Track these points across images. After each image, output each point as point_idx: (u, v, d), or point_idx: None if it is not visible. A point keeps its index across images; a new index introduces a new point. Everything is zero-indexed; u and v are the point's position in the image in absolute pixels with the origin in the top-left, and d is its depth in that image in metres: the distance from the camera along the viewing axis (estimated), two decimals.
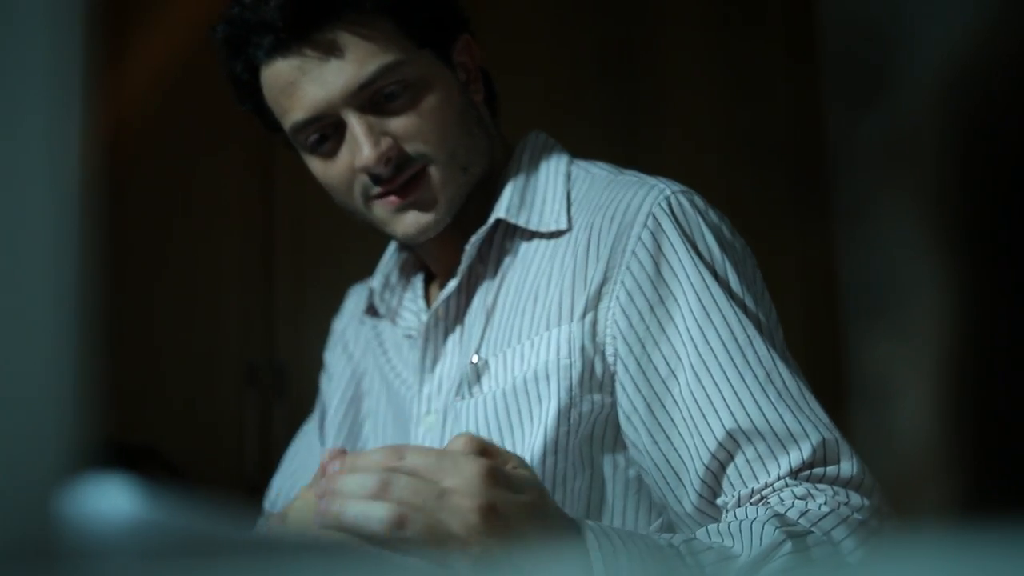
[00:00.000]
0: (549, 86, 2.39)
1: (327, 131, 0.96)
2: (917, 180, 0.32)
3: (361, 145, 0.94)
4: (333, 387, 1.18)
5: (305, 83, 0.94)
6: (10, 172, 0.31)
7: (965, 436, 0.30)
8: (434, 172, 0.96)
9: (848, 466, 0.80)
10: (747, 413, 0.82)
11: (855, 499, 0.79)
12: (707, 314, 0.86)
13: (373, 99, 0.95)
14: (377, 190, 0.96)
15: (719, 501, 0.84)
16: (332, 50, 0.93)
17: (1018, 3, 0.31)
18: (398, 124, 0.95)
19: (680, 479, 0.85)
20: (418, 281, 1.11)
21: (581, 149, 1.07)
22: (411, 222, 0.97)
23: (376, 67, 0.93)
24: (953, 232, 0.31)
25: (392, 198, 0.96)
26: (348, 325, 1.20)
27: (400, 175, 0.95)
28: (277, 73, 0.96)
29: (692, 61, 2.44)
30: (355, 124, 0.94)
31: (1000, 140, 0.30)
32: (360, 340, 1.15)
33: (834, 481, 0.80)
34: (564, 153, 1.04)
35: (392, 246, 1.14)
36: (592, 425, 0.90)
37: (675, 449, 0.85)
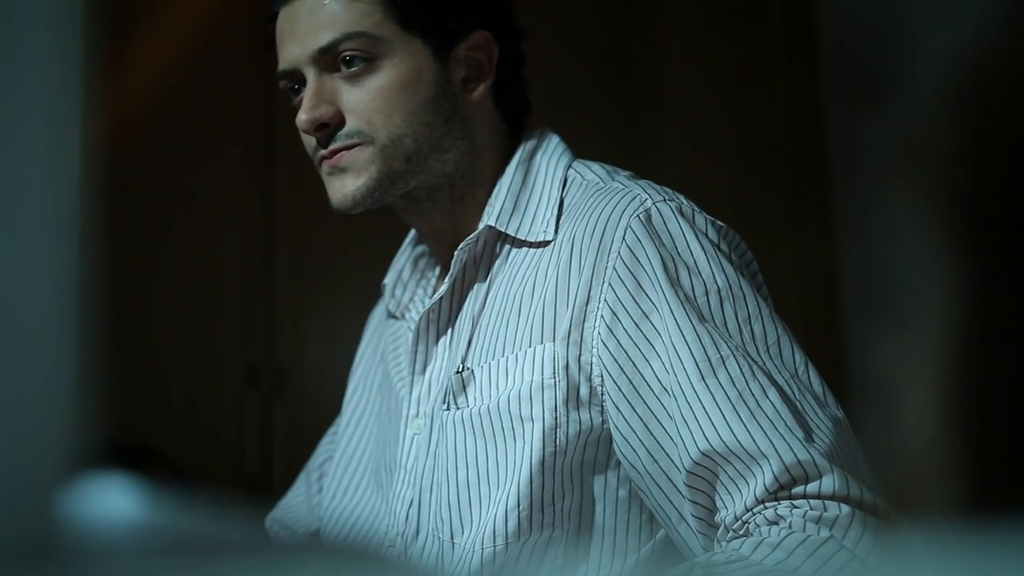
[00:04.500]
0: (549, 86, 2.39)
1: (297, 85, 1.00)
2: (918, 180, 0.32)
3: (302, 106, 0.98)
4: (348, 396, 1.19)
5: (287, 36, 0.99)
6: (10, 172, 0.31)
7: (968, 434, 0.30)
8: (366, 149, 0.97)
9: (830, 481, 0.78)
10: (718, 434, 0.81)
11: (831, 510, 0.77)
12: (681, 333, 0.84)
13: (335, 63, 0.97)
14: (318, 153, 0.99)
15: (716, 519, 0.83)
16: (317, 8, 0.97)
17: (1019, 5, 0.31)
18: (349, 94, 0.97)
19: (675, 499, 0.85)
20: (433, 277, 1.11)
21: (581, 149, 1.07)
22: (336, 189, 0.99)
23: (338, 34, 0.96)
24: (954, 231, 0.31)
25: (326, 161, 0.99)
26: (374, 332, 1.20)
27: (333, 144, 0.98)
28: (279, 22, 1.01)
29: (692, 61, 2.44)
30: (309, 84, 0.98)
31: (1001, 140, 0.30)
32: (383, 342, 1.16)
33: (815, 497, 0.78)
34: (565, 155, 1.03)
35: (406, 241, 1.14)
36: (583, 447, 0.89)
37: (674, 466, 0.84)
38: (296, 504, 1.18)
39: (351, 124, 0.97)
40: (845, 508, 0.77)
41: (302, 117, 0.97)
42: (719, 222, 0.93)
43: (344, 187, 0.98)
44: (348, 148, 0.97)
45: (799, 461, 0.78)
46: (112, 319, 2.27)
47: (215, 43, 2.36)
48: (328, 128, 0.97)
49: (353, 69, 0.97)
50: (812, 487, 0.78)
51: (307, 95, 0.97)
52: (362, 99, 0.97)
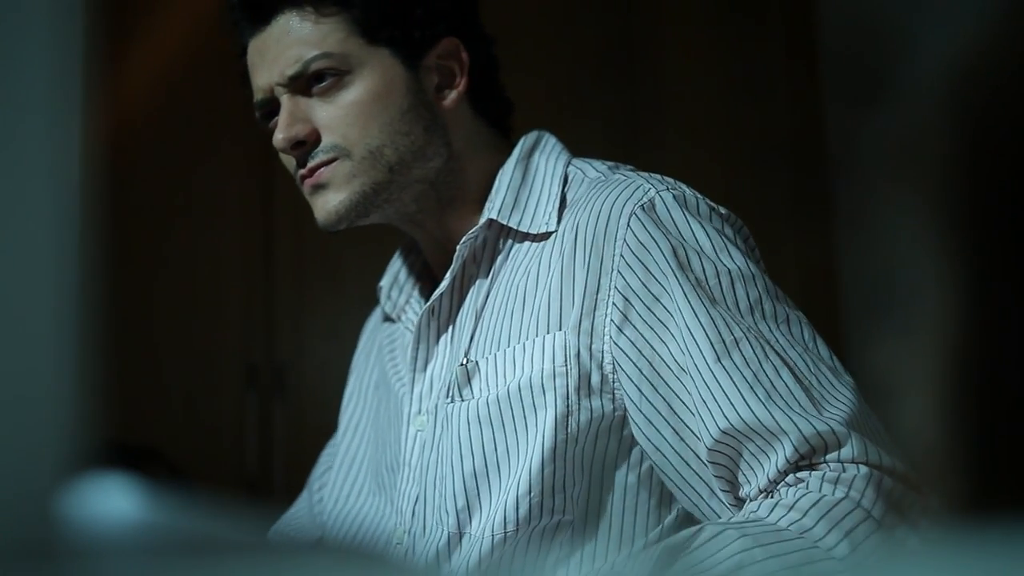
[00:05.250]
0: (549, 86, 2.39)
1: (273, 111, 1.01)
2: (918, 179, 0.32)
3: (278, 127, 0.99)
4: (344, 404, 1.20)
5: (258, 66, 1.01)
6: (11, 172, 0.31)
7: (969, 436, 0.30)
8: (344, 163, 0.98)
9: (849, 448, 0.79)
10: (737, 413, 0.82)
11: (850, 471, 0.78)
12: (696, 315, 0.85)
13: (307, 84, 0.99)
14: (299, 172, 1.00)
15: (741, 494, 0.84)
16: (283, 35, 0.99)
17: (1019, 5, 0.31)
18: (322, 111, 0.98)
19: (705, 474, 0.85)
20: (430, 280, 1.11)
21: (581, 149, 1.07)
22: (319, 206, 1.00)
23: (306, 57, 0.97)
24: (956, 231, 0.31)
25: (305, 181, 1.00)
26: (368, 337, 1.20)
27: (311, 161, 0.99)
28: (248, 55, 1.02)
29: (692, 61, 2.44)
30: (283, 106, 0.99)
31: (1002, 139, 0.30)
32: (378, 346, 1.16)
33: (835, 462, 0.79)
34: (564, 153, 1.03)
35: (403, 244, 1.14)
36: (595, 435, 0.89)
37: (700, 441, 0.85)
38: (299, 516, 1.19)
39: (327, 140, 0.98)
40: (863, 469, 0.78)
41: (278, 136, 0.98)
42: (722, 208, 0.94)
43: (327, 203, 0.99)
44: (326, 164, 0.98)
45: (818, 432, 0.80)
46: (112, 319, 2.27)
47: (215, 43, 2.36)
48: (305, 146, 0.98)
49: (324, 85, 0.98)
50: (832, 455, 0.79)
51: (282, 115, 0.98)
52: (336, 114, 0.98)
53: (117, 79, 2.37)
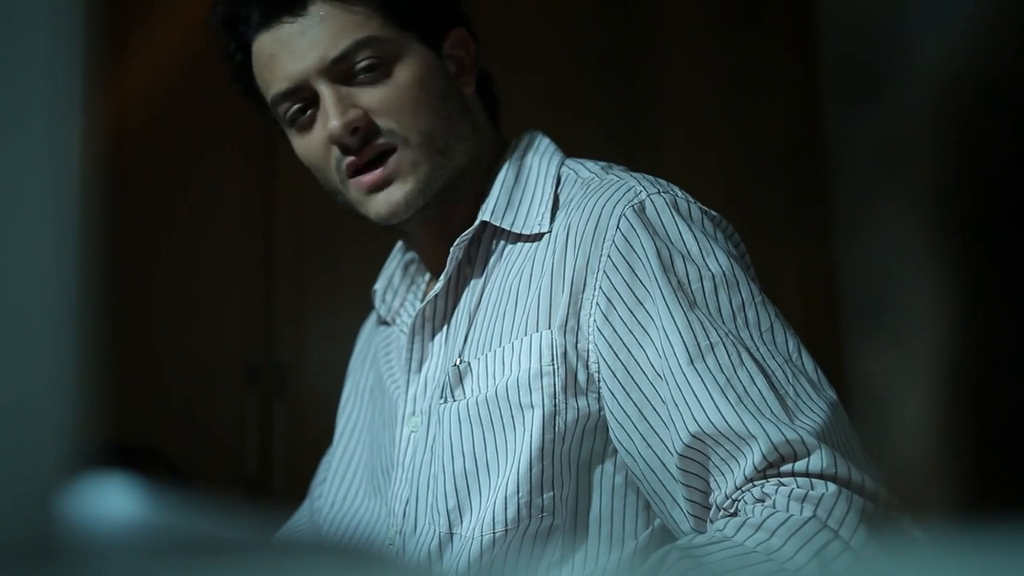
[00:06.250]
0: (549, 86, 2.39)
1: (305, 103, 0.99)
2: (916, 183, 0.32)
3: (330, 115, 0.96)
4: (341, 407, 1.20)
5: (284, 55, 0.97)
6: (11, 172, 0.31)
7: (963, 443, 0.30)
8: (405, 151, 0.97)
9: (818, 459, 0.78)
10: (708, 417, 0.81)
11: (818, 489, 0.77)
12: (673, 319, 0.85)
13: (348, 72, 0.97)
14: (347, 161, 0.97)
15: (709, 500, 0.83)
16: (311, 23, 0.97)
17: (1017, 5, 0.31)
18: (370, 96, 0.97)
19: (669, 483, 0.85)
20: (423, 282, 1.11)
21: (581, 149, 1.07)
22: (382, 201, 0.98)
23: (351, 41, 0.96)
24: (952, 237, 0.31)
25: (364, 179, 0.97)
26: (365, 342, 1.20)
27: (368, 147, 0.96)
28: (262, 47, 0.99)
29: (692, 61, 2.44)
30: (326, 94, 0.96)
31: (999, 143, 0.30)
32: (373, 350, 1.16)
33: (803, 475, 0.78)
34: (557, 153, 1.03)
35: (396, 247, 1.14)
36: (581, 434, 0.89)
37: (667, 450, 0.84)
38: (300, 524, 1.19)
39: (383, 123, 0.96)
40: (832, 487, 0.77)
41: (334, 124, 0.95)
42: (714, 212, 0.94)
43: (391, 196, 0.97)
44: (386, 152, 0.96)
45: (787, 440, 0.79)
46: (112, 319, 2.27)
47: (215, 42, 2.36)
48: (359, 132, 0.96)
49: (372, 74, 0.96)
50: (800, 465, 0.78)
51: (331, 104, 0.96)
52: (387, 99, 0.96)
53: (117, 79, 2.37)
